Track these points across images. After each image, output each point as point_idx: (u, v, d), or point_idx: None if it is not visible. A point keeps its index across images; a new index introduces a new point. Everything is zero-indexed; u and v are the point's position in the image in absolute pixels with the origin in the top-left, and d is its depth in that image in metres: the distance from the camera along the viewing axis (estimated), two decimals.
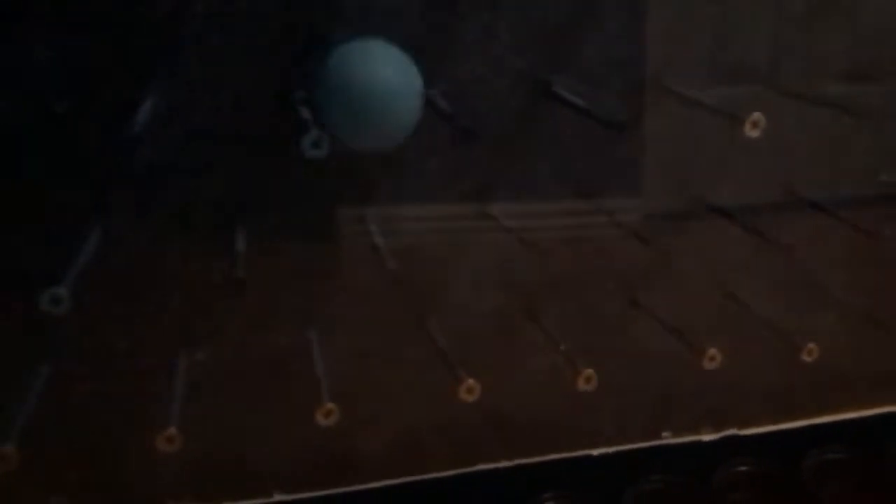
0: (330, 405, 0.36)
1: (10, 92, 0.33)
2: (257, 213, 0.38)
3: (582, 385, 0.40)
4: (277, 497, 0.39)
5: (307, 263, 0.39)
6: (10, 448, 0.32)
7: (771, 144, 0.43)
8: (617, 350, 0.43)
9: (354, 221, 0.39)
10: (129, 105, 0.34)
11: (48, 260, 0.32)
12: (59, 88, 0.34)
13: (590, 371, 0.40)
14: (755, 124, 0.37)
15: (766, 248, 0.42)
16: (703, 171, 0.44)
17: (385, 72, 0.33)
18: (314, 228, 0.39)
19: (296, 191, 0.38)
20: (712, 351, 0.41)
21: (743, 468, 0.58)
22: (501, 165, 0.41)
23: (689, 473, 0.55)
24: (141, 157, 0.36)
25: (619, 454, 0.54)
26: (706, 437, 0.45)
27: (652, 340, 0.43)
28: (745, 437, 0.56)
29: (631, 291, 0.44)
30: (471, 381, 0.38)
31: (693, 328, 0.43)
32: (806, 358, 0.43)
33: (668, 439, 0.44)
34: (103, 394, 0.36)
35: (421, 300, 0.41)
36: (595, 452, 0.43)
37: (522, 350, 0.42)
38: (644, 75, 0.42)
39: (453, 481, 0.48)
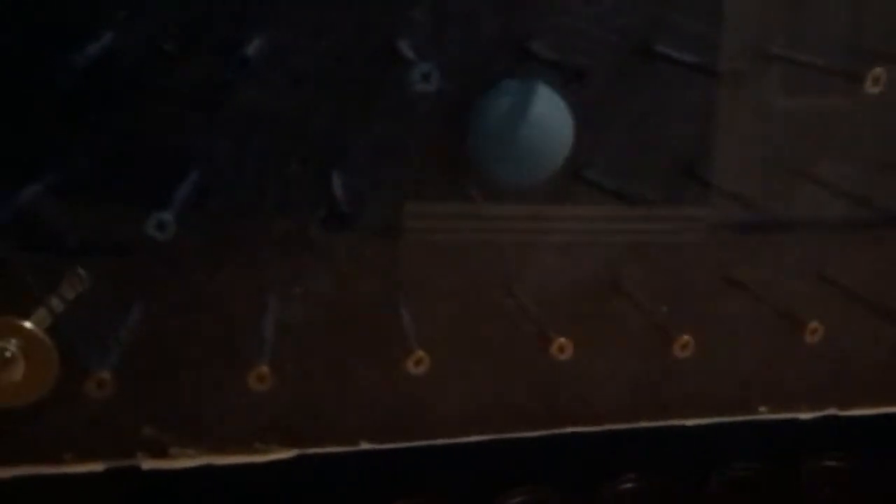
0: (420, 353, 0.35)
1: (123, 29, 0.34)
2: (353, 162, 0.37)
3: (678, 351, 0.38)
4: (364, 446, 0.39)
5: (397, 217, 0.39)
6: (107, 374, 0.33)
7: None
8: (710, 323, 0.41)
9: (447, 176, 0.39)
10: (235, 47, 0.35)
11: (146, 201, 0.32)
12: (170, 28, 0.34)
13: (687, 337, 0.38)
14: (876, 80, 0.35)
15: (863, 230, 0.41)
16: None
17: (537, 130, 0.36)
18: (406, 181, 0.38)
19: (391, 142, 0.38)
20: (814, 325, 0.40)
21: (833, 462, 0.55)
22: (596, 129, 0.40)
23: (777, 462, 0.53)
24: (243, 101, 0.36)
25: (706, 435, 0.52)
26: (804, 416, 0.43)
27: (748, 315, 0.42)
28: (838, 429, 0.54)
29: (725, 269, 0.43)
30: (562, 340, 0.37)
31: (791, 308, 0.41)
32: None
33: (764, 414, 0.42)
34: (195, 332, 0.36)
35: (509, 260, 0.40)
36: (689, 423, 0.42)
37: (612, 317, 0.41)
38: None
39: (537, 447, 0.47)
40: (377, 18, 0.36)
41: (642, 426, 0.41)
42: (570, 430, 0.40)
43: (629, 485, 0.52)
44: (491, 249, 0.40)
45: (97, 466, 0.36)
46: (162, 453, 0.37)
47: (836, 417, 0.54)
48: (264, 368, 0.34)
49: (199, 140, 0.36)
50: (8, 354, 0.31)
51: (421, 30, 0.36)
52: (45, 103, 0.33)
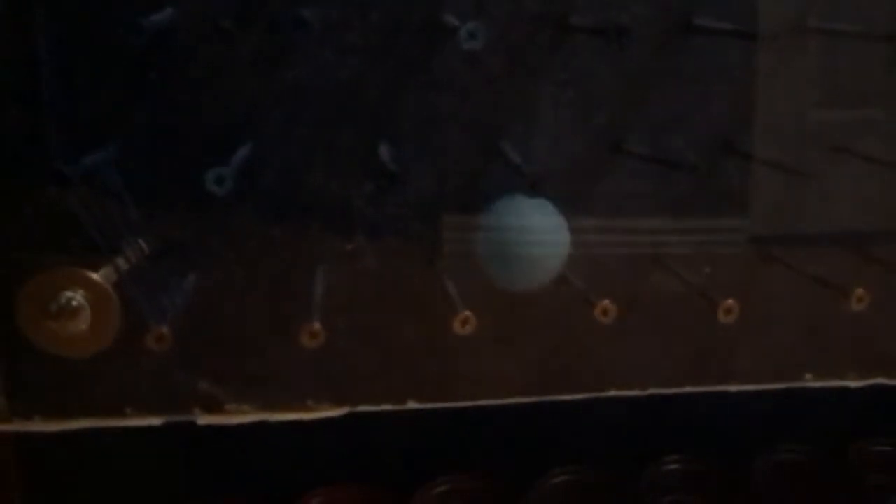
0: (467, 313, 0.36)
1: (183, 4, 0.36)
2: (400, 133, 0.39)
3: (722, 316, 0.39)
4: (411, 405, 0.39)
5: (441, 191, 0.40)
6: (166, 330, 0.34)
7: None
8: (753, 291, 0.42)
9: (489, 149, 0.40)
10: (287, 23, 0.36)
11: (202, 170, 0.34)
12: (227, 4, 0.36)
13: (730, 302, 0.39)
14: None
15: None
16: None
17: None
18: (451, 152, 0.40)
19: (437, 113, 0.39)
20: (860, 291, 0.40)
21: (883, 448, 0.55)
22: (636, 100, 0.41)
23: (825, 446, 0.53)
24: (294, 74, 0.37)
25: (753, 419, 0.52)
26: (852, 384, 0.43)
27: (792, 284, 0.42)
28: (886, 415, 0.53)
29: (763, 246, 0.43)
30: (606, 303, 0.38)
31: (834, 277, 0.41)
32: None
33: (810, 382, 0.42)
34: (250, 293, 0.38)
35: None
36: (733, 389, 0.42)
37: (653, 288, 0.41)
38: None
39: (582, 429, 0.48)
40: None
41: (687, 391, 0.41)
42: (613, 393, 0.40)
43: (674, 466, 0.51)
44: None
45: (156, 420, 0.37)
46: (218, 409, 0.38)
47: (885, 403, 0.53)
48: (316, 325, 0.35)
49: (253, 112, 0.37)
50: (75, 303, 0.32)
51: (465, 4, 0.38)
52: (113, 69, 0.35)
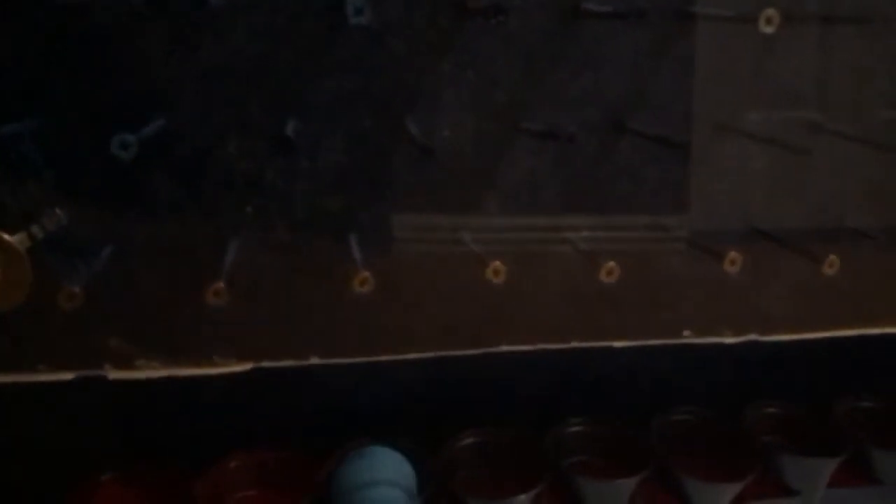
0: (366, 274, 0.39)
1: None
2: (307, 113, 0.41)
3: (604, 277, 0.42)
4: (313, 360, 0.42)
5: (353, 165, 0.42)
6: (77, 289, 0.36)
7: None
8: (635, 253, 0.45)
9: (396, 125, 0.42)
10: (198, 4, 0.39)
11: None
12: None
13: (612, 264, 0.42)
14: (769, 20, 0.39)
15: (788, 157, 0.44)
16: None
17: None
18: (360, 129, 0.42)
19: (345, 93, 0.41)
20: (733, 254, 0.43)
21: (772, 410, 0.58)
22: (533, 82, 0.44)
23: (719, 409, 0.56)
24: (204, 56, 0.39)
25: (652, 383, 0.55)
26: (728, 340, 0.46)
27: (671, 247, 0.45)
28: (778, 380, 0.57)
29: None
30: (497, 263, 0.41)
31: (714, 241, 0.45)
32: (827, 270, 0.44)
33: (688, 338, 0.46)
34: (160, 257, 0.40)
35: (457, 205, 0.44)
36: (617, 344, 0.45)
37: (549, 252, 0.44)
38: None
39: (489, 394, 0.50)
40: None
41: (574, 346, 0.44)
42: (504, 348, 0.43)
43: (576, 428, 0.54)
44: (443, 191, 0.43)
45: (67, 375, 0.39)
46: (128, 364, 0.40)
47: (776, 369, 0.57)
48: (220, 284, 0.38)
49: (168, 88, 0.39)
50: None
51: None
52: (30, 44, 0.37)
